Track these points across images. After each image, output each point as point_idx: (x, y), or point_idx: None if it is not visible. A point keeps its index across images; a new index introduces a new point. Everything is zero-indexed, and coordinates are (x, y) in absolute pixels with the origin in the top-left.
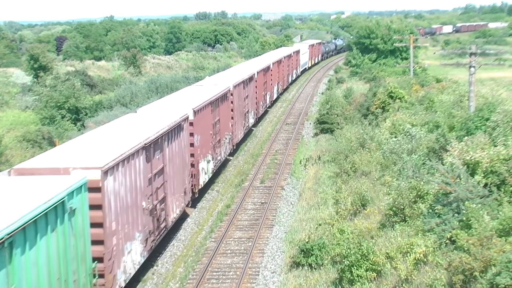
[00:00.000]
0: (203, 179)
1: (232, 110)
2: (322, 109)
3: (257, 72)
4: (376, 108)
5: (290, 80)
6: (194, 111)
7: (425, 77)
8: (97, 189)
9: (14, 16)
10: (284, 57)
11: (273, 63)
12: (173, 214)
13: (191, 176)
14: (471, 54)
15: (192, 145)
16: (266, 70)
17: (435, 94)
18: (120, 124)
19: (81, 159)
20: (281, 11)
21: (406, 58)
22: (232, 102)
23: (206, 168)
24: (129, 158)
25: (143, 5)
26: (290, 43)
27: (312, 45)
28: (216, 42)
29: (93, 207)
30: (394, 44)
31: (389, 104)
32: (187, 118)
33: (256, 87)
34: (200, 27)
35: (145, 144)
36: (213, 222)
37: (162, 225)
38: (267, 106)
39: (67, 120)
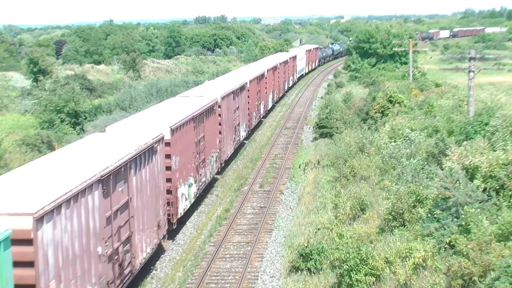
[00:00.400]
0: (183, 206)
1: (220, 124)
2: (321, 114)
3: (250, 81)
4: (376, 112)
5: (286, 87)
6: (171, 129)
7: (424, 81)
8: (28, 242)
9: (13, 19)
10: (280, 64)
11: (267, 70)
12: (142, 254)
13: (168, 205)
14: (470, 58)
15: (169, 168)
16: (260, 78)
17: (435, 99)
18: (78, 148)
19: (8, 202)
20: (280, 15)
21: (406, 63)
22: (220, 115)
23: (187, 193)
24: (77, 196)
25: (143, 9)
26: (289, 47)
27: (309, 50)
28: (216, 46)
29: (21, 264)
30: (393, 49)
31: (388, 108)
32: (162, 138)
33: (248, 96)
34: (199, 31)
35: (101, 176)
36: (212, 226)
37: (127, 271)
38: (262, 116)
39: (67, 124)
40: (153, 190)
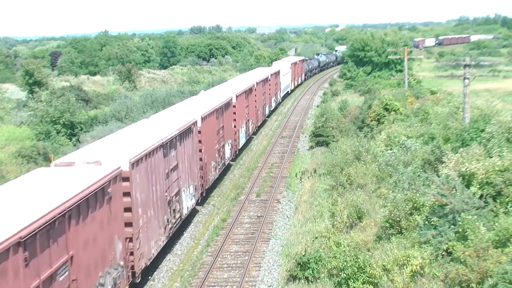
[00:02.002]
0: None
1: (128, 210)
2: (317, 122)
3: (203, 118)
4: (371, 120)
5: (267, 111)
6: None
7: (419, 89)
8: None
9: (8, 31)
10: (258, 83)
11: (237, 96)
12: None
13: None
14: (465, 65)
15: None
16: (224, 108)
17: (430, 106)
18: None
19: None
20: (275, 24)
21: (401, 71)
22: (128, 195)
23: None
24: None
25: (138, 20)
26: (284, 56)
27: (295, 63)
28: (211, 56)
29: None
30: (388, 57)
31: (384, 116)
32: None
33: (200, 141)
34: (194, 41)
35: None
36: (209, 236)
37: None
38: (229, 160)
39: (63, 135)
40: None
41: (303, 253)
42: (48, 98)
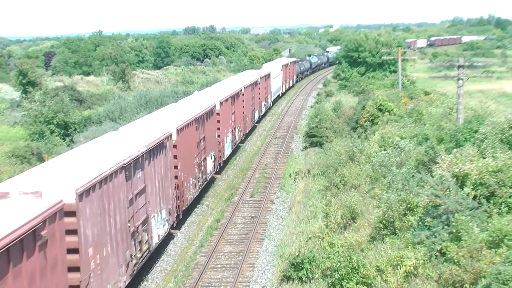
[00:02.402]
0: None
1: (75, 252)
2: (311, 123)
3: (179, 130)
4: (365, 121)
5: (257, 117)
6: None
7: (413, 89)
8: None
9: (2, 32)
10: (246, 87)
11: (222, 102)
12: None
13: None
14: (459, 66)
15: None
16: (206, 117)
17: (424, 107)
18: None
19: None
20: (269, 25)
21: (395, 71)
22: (76, 233)
23: None
24: None
25: (132, 20)
26: (278, 57)
27: (286, 65)
28: (205, 57)
29: None
30: (382, 57)
31: (378, 117)
32: None
33: (175, 157)
34: (188, 41)
35: None
36: (203, 236)
37: None
38: (211, 174)
39: (56, 136)
40: None
41: (297, 254)
42: (42, 98)
